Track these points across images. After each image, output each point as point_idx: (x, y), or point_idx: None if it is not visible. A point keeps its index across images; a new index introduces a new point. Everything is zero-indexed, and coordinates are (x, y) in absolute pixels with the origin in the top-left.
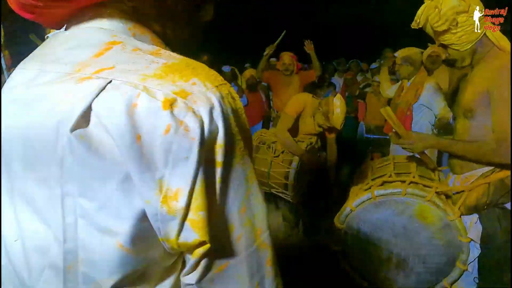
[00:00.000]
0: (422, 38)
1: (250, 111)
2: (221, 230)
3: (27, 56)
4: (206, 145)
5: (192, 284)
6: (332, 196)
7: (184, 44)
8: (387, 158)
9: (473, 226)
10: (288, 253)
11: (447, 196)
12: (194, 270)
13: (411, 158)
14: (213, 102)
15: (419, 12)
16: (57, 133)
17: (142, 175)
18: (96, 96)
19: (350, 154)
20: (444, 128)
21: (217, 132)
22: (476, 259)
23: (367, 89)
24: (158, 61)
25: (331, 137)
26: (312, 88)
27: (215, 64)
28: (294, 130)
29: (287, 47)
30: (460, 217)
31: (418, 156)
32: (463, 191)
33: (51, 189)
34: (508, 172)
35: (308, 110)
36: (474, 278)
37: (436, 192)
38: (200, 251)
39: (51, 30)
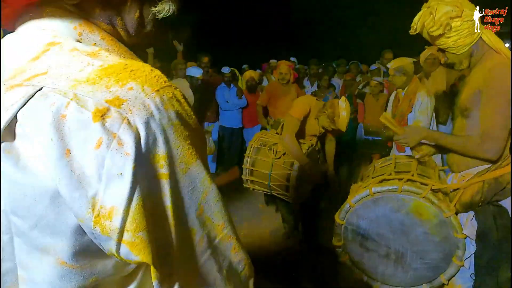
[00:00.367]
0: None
1: (250, 112)
2: (183, 238)
3: None
4: (143, 159)
5: None
6: (332, 190)
7: (138, 46)
8: (389, 157)
9: (468, 223)
10: (288, 254)
11: (445, 194)
12: (172, 287)
13: (412, 158)
14: (151, 110)
15: (415, 19)
16: None
17: (72, 193)
18: (23, 105)
19: (349, 155)
20: None
21: (157, 144)
22: (472, 256)
23: (366, 89)
24: (94, 63)
25: (331, 135)
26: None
27: (214, 66)
28: (298, 133)
29: (285, 50)
30: (456, 214)
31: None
32: (458, 188)
33: None
34: (502, 171)
35: (313, 113)
36: (471, 274)
37: (433, 190)
38: (153, 274)
39: None
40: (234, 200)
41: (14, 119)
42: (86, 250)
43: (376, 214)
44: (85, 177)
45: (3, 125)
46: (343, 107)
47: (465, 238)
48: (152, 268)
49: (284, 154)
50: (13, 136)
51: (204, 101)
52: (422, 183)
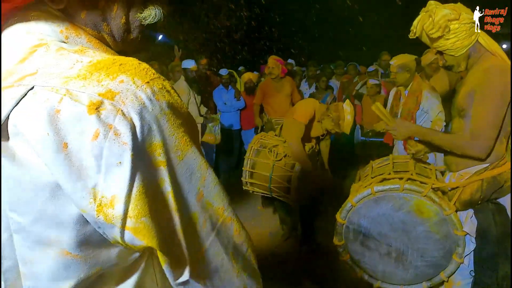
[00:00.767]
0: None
1: (248, 114)
2: (187, 223)
3: None
4: (140, 148)
5: (187, 279)
6: (329, 190)
7: (125, 52)
8: (386, 158)
9: (468, 221)
10: (288, 255)
11: (443, 192)
12: (181, 272)
13: (409, 158)
14: (143, 101)
15: (415, 22)
16: None
17: (73, 184)
18: (16, 105)
19: (346, 156)
20: None
21: (152, 133)
22: (472, 253)
23: (363, 90)
24: (83, 60)
25: (328, 135)
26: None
27: (212, 67)
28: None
29: (283, 51)
30: (456, 212)
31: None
32: (457, 187)
33: None
34: (500, 170)
35: (316, 116)
36: (470, 271)
37: (432, 188)
38: (161, 258)
39: None
40: (233, 202)
41: (6, 119)
42: (89, 240)
43: (378, 213)
44: (84, 169)
45: None
46: (348, 110)
47: (465, 235)
48: (159, 253)
49: (285, 156)
50: (6, 136)
51: (205, 91)
52: (421, 182)
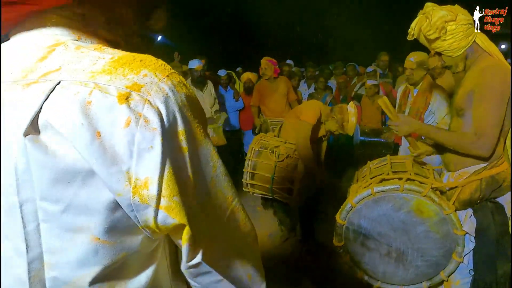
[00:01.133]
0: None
1: (247, 114)
2: (203, 207)
3: None
4: (168, 134)
5: (200, 262)
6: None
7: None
8: (384, 158)
9: (467, 220)
10: (287, 255)
11: (442, 192)
12: (196, 253)
13: (406, 158)
14: (166, 92)
15: (413, 24)
16: (7, 141)
17: (108, 170)
18: (46, 99)
19: (345, 157)
20: None
21: (176, 121)
22: (471, 252)
23: (362, 91)
24: (105, 57)
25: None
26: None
27: (210, 68)
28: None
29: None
30: (456, 211)
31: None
32: (456, 187)
33: (7, 198)
34: (498, 169)
35: (321, 117)
36: (470, 270)
37: (431, 188)
38: (186, 236)
39: None
40: None
41: (38, 112)
42: (116, 226)
43: (378, 213)
44: (117, 155)
45: (31, 118)
46: (352, 112)
47: (464, 234)
48: (186, 229)
49: (287, 157)
50: (36, 128)
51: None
52: (420, 182)
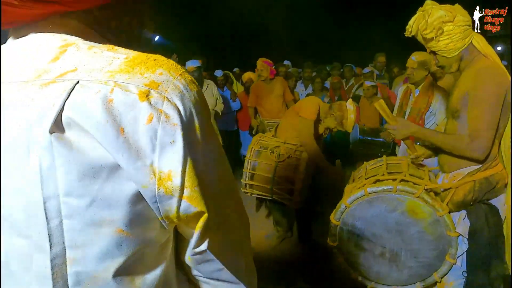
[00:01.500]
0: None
1: (246, 114)
2: (214, 194)
3: None
4: (187, 128)
5: (205, 249)
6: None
7: None
8: (380, 159)
9: (461, 222)
10: (284, 255)
11: (436, 193)
12: (203, 241)
13: (402, 159)
14: (181, 89)
15: (410, 21)
16: (28, 139)
17: (135, 164)
18: (67, 98)
19: (343, 156)
20: None
21: (193, 116)
22: (465, 253)
23: (360, 91)
24: (119, 57)
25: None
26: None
27: (207, 69)
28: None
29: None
30: (449, 213)
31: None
32: (450, 188)
33: (28, 197)
34: (492, 171)
35: (320, 114)
36: (463, 272)
37: (425, 189)
38: (201, 223)
39: None
40: None
41: (61, 111)
42: (137, 218)
43: (372, 214)
44: (141, 149)
45: (54, 116)
46: (351, 109)
47: (458, 236)
48: (204, 216)
49: (288, 157)
50: (60, 126)
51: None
52: (415, 183)
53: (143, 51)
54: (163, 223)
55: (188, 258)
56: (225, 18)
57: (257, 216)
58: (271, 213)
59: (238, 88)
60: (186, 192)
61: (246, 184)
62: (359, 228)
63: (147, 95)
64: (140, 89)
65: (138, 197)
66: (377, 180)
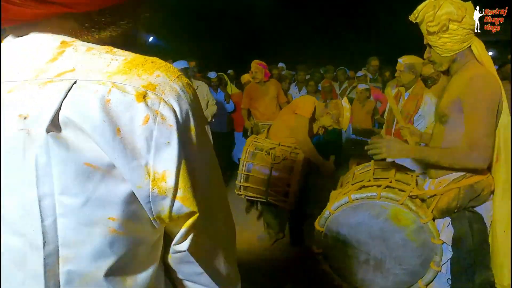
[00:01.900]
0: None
1: (241, 116)
2: (203, 195)
3: None
4: (182, 130)
5: (184, 250)
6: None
7: None
8: (368, 164)
9: (445, 229)
10: (276, 258)
11: (422, 200)
12: (185, 239)
13: (390, 164)
14: (178, 91)
15: (419, 7)
16: (25, 138)
17: (130, 164)
18: (65, 97)
19: (336, 157)
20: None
21: (188, 118)
22: (449, 261)
23: (352, 94)
24: (117, 58)
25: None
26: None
27: (201, 70)
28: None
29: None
30: (434, 220)
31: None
32: (435, 195)
33: (23, 195)
34: (477, 178)
35: (315, 112)
36: (448, 279)
37: (410, 196)
38: (190, 222)
39: None
40: None
41: (58, 110)
42: (131, 218)
43: (356, 220)
44: (136, 150)
45: (52, 115)
46: (347, 108)
47: (442, 243)
48: (195, 216)
49: (284, 159)
50: (57, 125)
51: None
52: (400, 190)
53: (141, 54)
54: (155, 223)
55: (169, 256)
56: (220, 19)
57: (251, 217)
58: (262, 215)
59: (232, 90)
60: (179, 192)
61: (240, 186)
62: (343, 235)
63: (144, 96)
64: (137, 90)
65: (132, 197)
66: (362, 186)
